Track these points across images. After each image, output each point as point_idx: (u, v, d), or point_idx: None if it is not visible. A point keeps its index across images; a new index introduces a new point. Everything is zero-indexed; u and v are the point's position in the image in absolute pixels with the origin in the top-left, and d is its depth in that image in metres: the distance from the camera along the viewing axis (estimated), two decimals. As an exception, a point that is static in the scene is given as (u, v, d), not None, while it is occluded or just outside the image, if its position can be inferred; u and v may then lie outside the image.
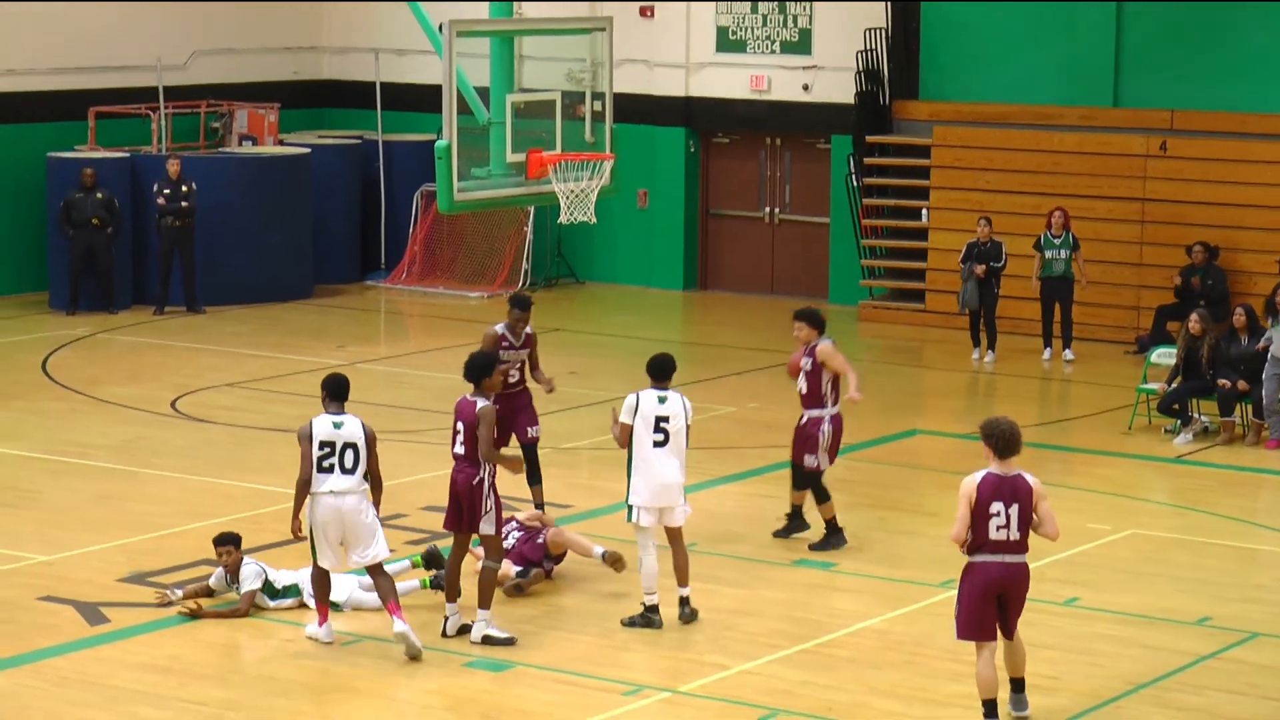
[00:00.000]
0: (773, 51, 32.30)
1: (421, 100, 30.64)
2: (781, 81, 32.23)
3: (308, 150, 32.24)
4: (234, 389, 25.00)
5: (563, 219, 22.69)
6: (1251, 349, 23.25)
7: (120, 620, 16.46)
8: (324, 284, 32.36)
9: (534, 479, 18.98)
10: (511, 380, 18.61)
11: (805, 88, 32.05)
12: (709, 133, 33.19)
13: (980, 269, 27.30)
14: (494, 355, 17.16)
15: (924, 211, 30.66)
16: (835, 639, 16.13)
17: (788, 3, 31.96)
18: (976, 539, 14.05)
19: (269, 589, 16.73)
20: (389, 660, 15.52)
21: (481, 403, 15.87)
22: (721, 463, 21.72)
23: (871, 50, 30.94)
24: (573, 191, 22.35)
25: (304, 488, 15.81)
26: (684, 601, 16.42)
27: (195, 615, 16.39)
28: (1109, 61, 29.83)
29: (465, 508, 15.84)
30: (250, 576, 16.68)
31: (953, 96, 30.83)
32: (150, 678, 15.33)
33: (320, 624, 16.07)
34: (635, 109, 30.20)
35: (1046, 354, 27.91)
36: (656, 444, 16.21)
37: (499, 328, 18.81)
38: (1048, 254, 27.39)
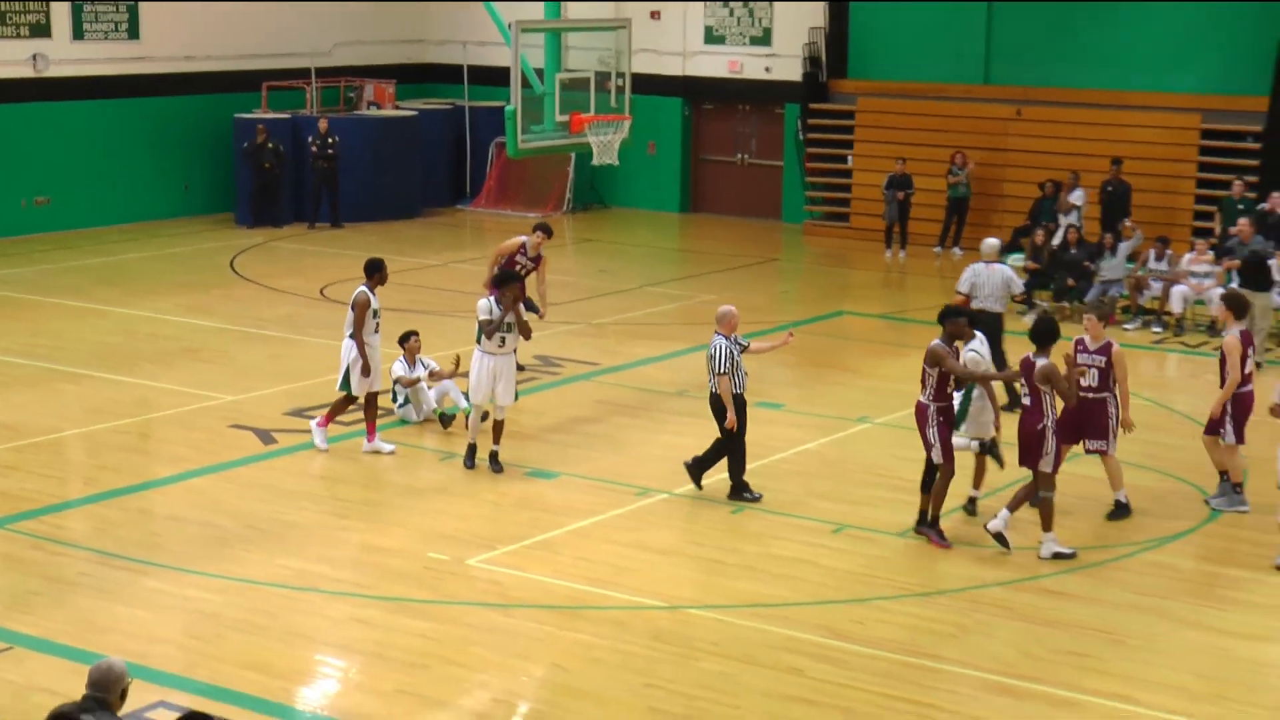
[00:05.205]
0: (744, 43, 32.06)
1: (496, 77, 30.41)
2: (750, 65, 32.01)
3: (416, 113, 32.06)
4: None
5: (595, 162, 22.63)
6: (1081, 257, 23.21)
7: (285, 442, 16.56)
8: (428, 207, 32.27)
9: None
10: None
11: (767, 70, 31.83)
12: (699, 102, 32.96)
13: (900, 195, 28.05)
14: (1049, 321, 13.83)
15: (849, 158, 30.52)
16: (784, 458, 16.15)
17: (754, 5, 31.74)
18: (1246, 377, 14.44)
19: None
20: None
21: (1042, 361, 13.30)
22: (705, 332, 21.66)
23: (814, 43, 30.75)
24: (602, 142, 22.27)
25: None
26: None
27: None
28: (981, 51, 29.65)
29: (1029, 449, 13.37)
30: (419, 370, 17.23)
31: (872, 76, 30.62)
32: (308, 481, 15.45)
33: (371, 435, 16.20)
34: (647, 84, 29.98)
35: (939, 250, 28.37)
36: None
37: None
38: (951, 179, 28.04)
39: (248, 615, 12.10)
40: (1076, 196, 25.81)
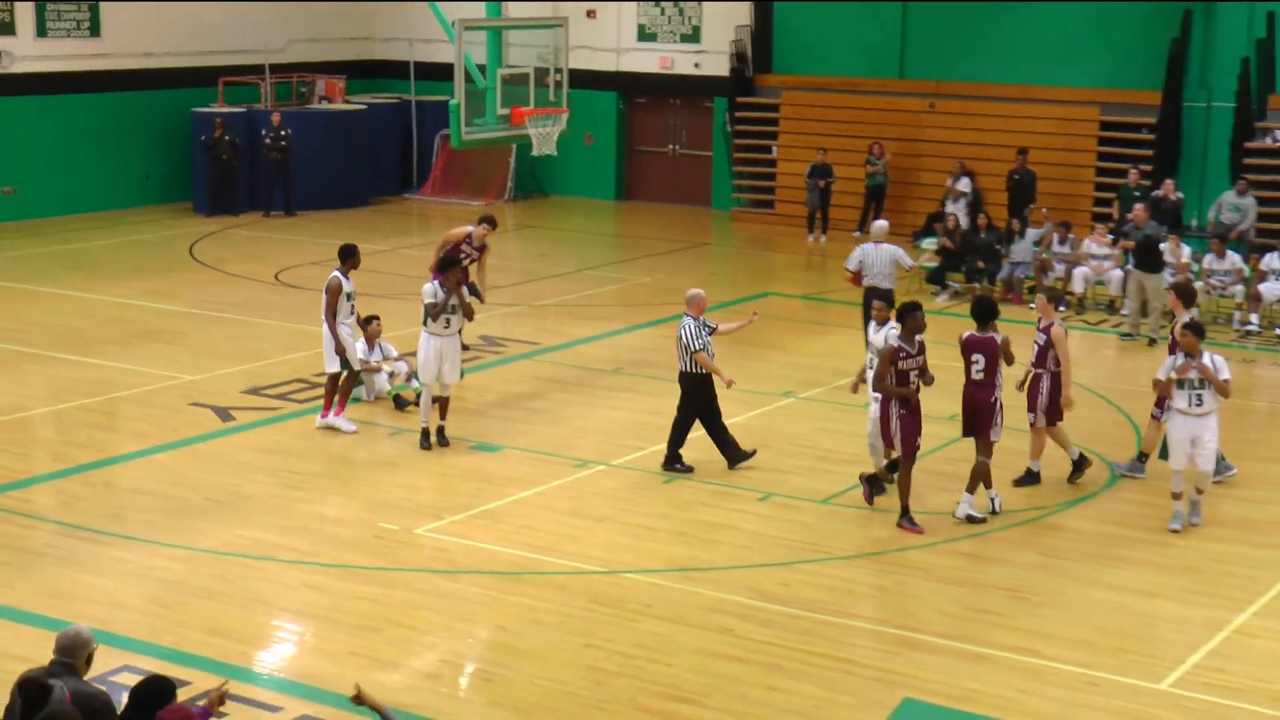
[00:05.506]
0: (675, 40, 32.00)
1: (441, 73, 30.20)
2: (681, 61, 31.96)
3: (365, 107, 31.82)
4: (316, 266, 24.79)
5: (535, 153, 22.53)
6: (990, 241, 23.33)
7: (242, 419, 16.44)
8: (377, 196, 32.06)
9: None
10: None
11: (696, 65, 31.79)
12: (632, 96, 32.89)
13: (822, 183, 27.95)
14: (989, 300, 13.89)
15: (774, 148, 30.56)
16: (714, 430, 16.18)
17: (684, 5, 31.69)
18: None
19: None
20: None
21: (999, 337, 13.43)
22: (640, 313, 21.73)
23: (740, 40, 30.75)
24: (541, 134, 22.18)
25: None
26: None
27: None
28: (897, 49, 29.72)
29: (980, 420, 13.48)
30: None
31: (795, 72, 30.64)
32: (262, 456, 15.33)
33: (326, 412, 15.94)
34: (583, 79, 29.85)
35: (858, 234, 27.98)
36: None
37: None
38: (869, 168, 27.97)
39: (208, 583, 12.01)
40: (963, 184, 26.30)
